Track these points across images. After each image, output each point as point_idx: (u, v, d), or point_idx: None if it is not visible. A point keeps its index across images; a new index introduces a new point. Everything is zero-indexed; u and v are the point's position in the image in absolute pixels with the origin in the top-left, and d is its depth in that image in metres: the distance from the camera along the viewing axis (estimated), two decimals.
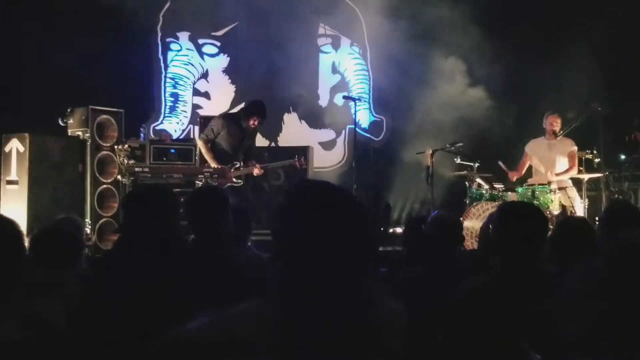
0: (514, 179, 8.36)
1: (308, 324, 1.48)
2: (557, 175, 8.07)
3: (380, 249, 8.19)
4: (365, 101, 10.91)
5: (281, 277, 1.52)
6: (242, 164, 7.94)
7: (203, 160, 8.09)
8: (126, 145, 7.84)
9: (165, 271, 2.54)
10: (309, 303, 1.48)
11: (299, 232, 1.53)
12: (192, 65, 10.71)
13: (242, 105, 8.79)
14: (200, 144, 8.02)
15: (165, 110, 10.54)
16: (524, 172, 8.46)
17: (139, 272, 2.49)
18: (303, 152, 9.19)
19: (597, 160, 7.92)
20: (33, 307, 2.21)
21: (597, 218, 7.11)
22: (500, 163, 8.39)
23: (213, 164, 7.77)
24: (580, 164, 8.16)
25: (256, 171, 8.00)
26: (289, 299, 1.50)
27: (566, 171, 8.14)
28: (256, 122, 7.89)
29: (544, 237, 2.89)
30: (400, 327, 1.63)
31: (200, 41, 10.73)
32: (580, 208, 7.88)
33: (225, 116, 8.14)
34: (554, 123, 8.21)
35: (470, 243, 6.93)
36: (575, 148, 8.16)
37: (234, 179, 7.84)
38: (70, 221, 3.96)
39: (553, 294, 1.68)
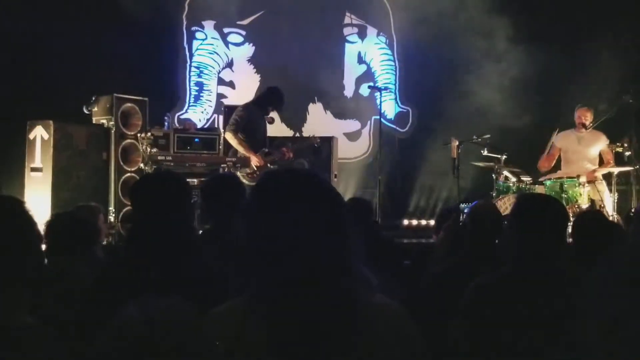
0: (543, 167, 8.16)
1: (286, 317, 1.43)
2: (600, 170, 7.88)
3: (405, 241, 8.13)
4: (391, 92, 10.80)
5: (257, 272, 1.47)
6: (272, 149, 7.92)
7: (232, 151, 8.00)
8: (149, 134, 7.81)
9: (178, 262, 2.48)
10: (283, 297, 1.44)
11: (265, 226, 1.48)
12: (217, 54, 10.67)
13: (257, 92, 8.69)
14: (229, 137, 7.74)
15: (189, 99, 10.52)
16: (552, 164, 8.29)
17: (152, 264, 2.43)
18: (327, 142, 9.12)
19: (627, 153, 7.73)
20: (42, 294, 2.17)
21: (632, 210, 7.01)
22: (556, 134, 8.15)
23: (249, 154, 7.65)
24: None
25: (288, 155, 7.97)
26: (266, 294, 1.46)
27: (604, 167, 7.95)
28: (277, 109, 7.93)
29: (562, 231, 2.77)
30: (393, 322, 1.55)
31: (226, 30, 10.69)
32: (609, 202, 7.70)
33: (248, 105, 8.06)
34: (584, 116, 8.03)
35: None
36: (607, 143, 7.96)
37: (269, 165, 7.81)
38: (86, 209, 3.92)
39: (568, 290, 1.60)
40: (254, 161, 7.67)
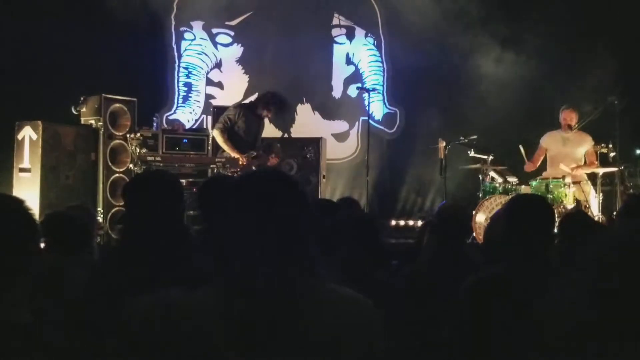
0: (529, 170, 8.28)
1: (244, 307, 1.50)
2: (578, 169, 7.98)
3: (393, 241, 8.18)
4: (379, 93, 10.84)
5: (216, 260, 1.55)
6: (260, 152, 7.93)
7: (220, 151, 8.02)
8: (138, 134, 7.82)
9: (172, 262, 2.50)
10: (240, 286, 1.51)
11: (227, 221, 1.58)
12: (206, 54, 10.68)
13: (256, 94, 8.74)
14: (216, 134, 7.84)
15: (178, 100, 10.53)
16: (538, 164, 8.38)
17: (145, 264, 2.45)
18: (316, 143, 9.16)
19: (612, 154, 7.82)
20: (38, 292, 2.19)
21: (614, 212, 7.09)
22: (522, 148, 8.30)
23: (233, 154, 7.70)
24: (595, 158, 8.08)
25: (272, 161, 7.99)
26: (225, 281, 1.53)
27: (587, 167, 8.06)
28: (275, 113, 7.95)
29: (552, 229, 2.87)
30: (359, 317, 1.59)
31: (214, 31, 10.70)
32: (594, 202, 7.79)
33: (241, 105, 8.09)
34: (569, 117, 8.12)
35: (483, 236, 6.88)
36: (592, 144, 8.06)
37: (254, 168, 7.82)
38: (81, 209, 3.94)
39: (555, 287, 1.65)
40: (239, 160, 7.73)
